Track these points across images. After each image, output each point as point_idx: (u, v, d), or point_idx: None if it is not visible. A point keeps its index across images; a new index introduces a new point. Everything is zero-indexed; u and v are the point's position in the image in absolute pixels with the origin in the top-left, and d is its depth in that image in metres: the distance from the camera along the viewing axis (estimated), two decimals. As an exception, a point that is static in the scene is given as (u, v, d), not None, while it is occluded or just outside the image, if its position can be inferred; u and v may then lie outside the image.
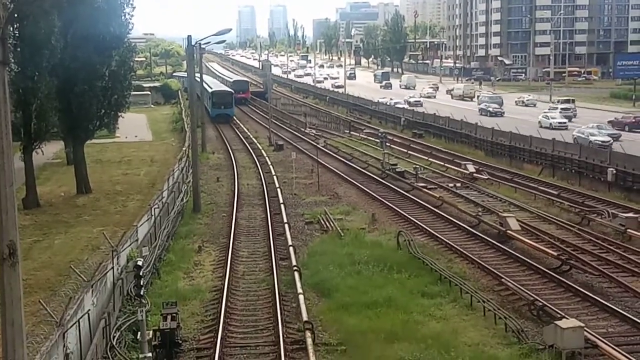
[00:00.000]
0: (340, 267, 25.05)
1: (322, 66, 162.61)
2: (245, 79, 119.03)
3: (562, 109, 72.60)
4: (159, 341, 17.98)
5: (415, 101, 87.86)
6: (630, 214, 31.15)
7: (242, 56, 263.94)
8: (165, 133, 70.99)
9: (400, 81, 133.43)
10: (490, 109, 76.56)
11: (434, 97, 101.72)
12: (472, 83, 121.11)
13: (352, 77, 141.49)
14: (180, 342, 18.66)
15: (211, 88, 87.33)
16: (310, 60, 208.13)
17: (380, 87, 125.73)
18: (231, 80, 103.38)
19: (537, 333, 19.24)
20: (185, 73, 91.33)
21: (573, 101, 79.62)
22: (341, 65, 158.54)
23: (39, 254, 27.90)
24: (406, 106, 79.93)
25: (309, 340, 18.12)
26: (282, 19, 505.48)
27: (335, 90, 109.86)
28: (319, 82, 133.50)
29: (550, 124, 63.35)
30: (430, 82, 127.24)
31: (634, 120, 63.54)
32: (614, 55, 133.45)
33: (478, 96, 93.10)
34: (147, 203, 30.53)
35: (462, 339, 19.15)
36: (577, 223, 31.45)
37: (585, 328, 18.18)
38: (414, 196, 37.91)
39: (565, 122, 63.98)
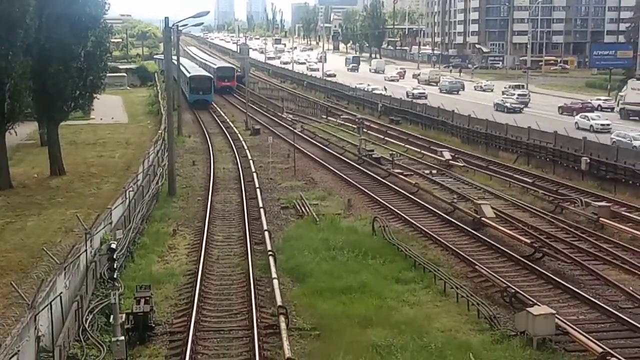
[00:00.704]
0: (315, 252, 25.08)
1: (292, 49, 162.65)
2: (231, 65, 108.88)
3: (519, 94, 78.19)
4: (132, 324, 17.91)
5: (420, 93, 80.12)
6: (603, 203, 31.47)
7: (222, 40, 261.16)
8: (141, 115, 70.45)
9: (370, 65, 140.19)
10: (450, 89, 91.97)
11: (397, 80, 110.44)
12: (451, 70, 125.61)
13: (282, 51, 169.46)
14: (154, 325, 18.59)
15: (189, 72, 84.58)
16: (285, 44, 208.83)
17: (348, 69, 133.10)
18: (215, 67, 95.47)
19: (509, 320, 19.42)
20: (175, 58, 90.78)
21: (524, 87, 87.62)
22: (311, 49, 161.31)
23: (11, 235, 27.63)
24: (407, 98, 74.37)
25: (283, 325, 18.13)
26: (260, 3, 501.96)
27: (313, 74, 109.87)
28: (301, 63, 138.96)
29: (506, 107, 69.00)
30: (399, 67, 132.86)
31: (581, 106, 68.18)
32: (590, 44, 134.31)
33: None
34: (121, 186, 30.30)
35: (435, 324, 19.28)
36: (550, 211, 31.73)
37: (556, 315, 18.37)
38: (390, 182, 38.01)
39: (520, 107, 70.23)
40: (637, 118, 63.26)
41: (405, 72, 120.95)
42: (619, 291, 21.72)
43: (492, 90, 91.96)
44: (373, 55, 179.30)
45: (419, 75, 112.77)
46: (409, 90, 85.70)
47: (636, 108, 64.39)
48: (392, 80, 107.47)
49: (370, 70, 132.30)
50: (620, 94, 72.01)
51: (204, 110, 74.67)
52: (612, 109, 69.92)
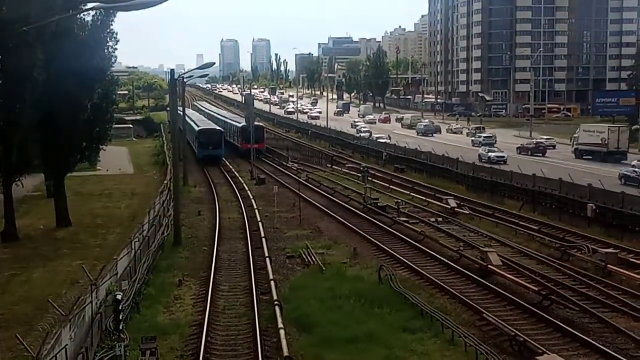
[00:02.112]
0: (322, 301, 24.95)
1: (297, 99, 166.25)
2: (260, 123, 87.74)
3: (484, 136, 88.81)
4: (137, 376, 17.74)
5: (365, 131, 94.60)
6: (610, 250, 31.32)
7: (230, 91, 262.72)
8: (147, 166, 70.80)
9: (359, 111, 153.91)
10: (425, 131, 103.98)
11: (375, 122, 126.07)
12: (457, 119, 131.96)
13: (314, 104, 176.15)
14: (159, 377, 18.41)
15: (198, 126, 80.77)
16: (283, 92, 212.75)
17: (334, 114, 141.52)
18: (239, 126, 79.60)
19: (519, 369, 19.19)
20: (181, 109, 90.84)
21: (484, 129, 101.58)
22: (316, 100, 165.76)
23: (17, 287, 27.57)
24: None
25: (290, 376, 17.95)
26: (265, 53, 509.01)
27: (317, 124, 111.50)
28: (290, 113, 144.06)
29: (480, 142, 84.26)
30: (383, 113, 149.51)
31: (534, 146, 79.19)
32: (593, 92, 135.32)
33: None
34: (127, 236, 30.27)
35: (443, 374, 19.06)
36: (557, 258, 31.57)
37: (566, 364, 18.17)
38: (395, 230, 37.95)
39: (492, 142, 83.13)
40: (589, 157, 71.47)
41: (389, 116, 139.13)
42: (629, 339, 21.50)
43: (461, 133, 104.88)
44: (377, 105, 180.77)
45: (401, 119, 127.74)
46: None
47: (588, 148, 73.35)
48: (371, 123, 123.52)
49: (358, 115, 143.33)
50: (574, 135, 78.48)
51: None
52: (553, 147, 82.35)
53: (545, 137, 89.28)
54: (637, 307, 24.28)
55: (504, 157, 68.20)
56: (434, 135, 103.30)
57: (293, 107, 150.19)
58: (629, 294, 26.00)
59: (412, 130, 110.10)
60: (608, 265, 29.23)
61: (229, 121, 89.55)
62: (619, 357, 19.88)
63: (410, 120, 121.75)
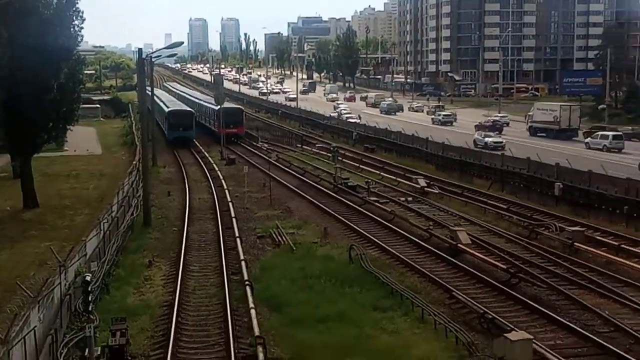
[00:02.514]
0: (292, 281, 25.01)
1: (267, 79, 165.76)
2: (238, 105, 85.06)
3: (444, 115, 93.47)
4: (107, 358, 17.65)
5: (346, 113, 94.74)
6: (577, 228, 31.77)
7: (200, 71, 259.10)
8: (115, 147, 70.11)
9: (324, 90, 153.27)
10: (388, 110, 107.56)
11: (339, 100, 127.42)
12: (428, 99, 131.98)
13: (281, 83, 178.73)
14: (130, 358, 18.36)
15: (168, 107, 77.59)
16: (250, 71, 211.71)
17: (300, 93, 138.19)
18: (216, 109, 72.33)
19: (487, 346, 19.41)
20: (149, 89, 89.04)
21: (443, 107, 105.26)
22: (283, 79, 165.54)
23: (-16, 269, 27.19)
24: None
25: (261, 356, 18.00)
26: (234, 33, 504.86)
27: (288, 104, 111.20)
28: (263, 94, 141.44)
29: (439, 120, 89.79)
30: (348, 92, 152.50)
31: (491, 124, 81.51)
32: (560, 72, 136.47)
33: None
34: (96, 217, 30.03)
35: (413, 352, 19.22)
36: (525, 237, 31.94)
37: (533, 340, 18.43)
38: (366, 210, 38.08)
39: (451, 121, 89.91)
40: (543, 134, 74.81)
41: (354, 95, 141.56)
42: (595, 315, 21.85)
43: (422, 111, 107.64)
44: (347, 84, 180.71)
45: (366, 98, 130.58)
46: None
47: (541, 126, 76.86)
48: (333, 100, 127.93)
49: (324, 94, 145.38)
50: (529, 113, 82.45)
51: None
52: (507, 124, 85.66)
53: (500, 115, 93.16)
54: (603, 284, 24.68)
55: (501, 142, 63.36)
56: (397, 113, 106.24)
57: (266, 88, 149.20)
58: (596, 272, 26.42)
59: (376, 108, 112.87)
60: (575, 243, 29.65)
61: (204, 103, 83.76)
62: (586, 333, 20.21)
63: (374, 99, 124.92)
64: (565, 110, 76.09)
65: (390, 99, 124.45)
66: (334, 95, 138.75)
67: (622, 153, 61.45)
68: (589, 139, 66.99)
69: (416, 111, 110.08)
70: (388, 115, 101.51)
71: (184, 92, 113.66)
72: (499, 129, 79.49)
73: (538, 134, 75.53)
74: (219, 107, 70.87)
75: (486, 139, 65.24)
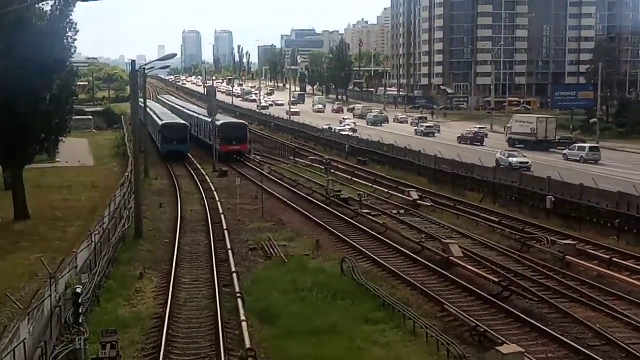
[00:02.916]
0: (284, 293, 24.96)
1: (259, 90, 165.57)
2: (239, 121, 78.48)
3: (426, 126, 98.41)
4: (97, 370, 17.55)
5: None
6: (569, 241, 31.83)
7: (194, 83, 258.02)
8: (107, 158, 69.98)
9: (313, 102, 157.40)
10: (374, 121, 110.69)
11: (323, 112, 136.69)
12: (422, 112, 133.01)
13: (271, 94, 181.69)
14: (120, 371, 18.25)
15: (161, 120, 75.12)
16: (242, 83, 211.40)
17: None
18: (217, 123, 66.98)
19: (479, 359, 19.41)
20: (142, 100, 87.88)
21: (426, 119, 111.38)
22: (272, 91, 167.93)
23: (-26, 281, 27.03)
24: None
25: (252, 368, 17.93)
26: (227, 45, 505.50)
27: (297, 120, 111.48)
28: (264, 107, 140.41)
29: (422, 132, 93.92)
30: (336, 104, 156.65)
31: (473, 135, 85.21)
32: (552, 86, 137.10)
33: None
34: (87, 229, 29.93)
35: (405, 365, 19.19)
36: (517, 250, 31.98)
37: (525, 354, 18.42)
38: (358, 223, 38.08)
39: (433, 132, 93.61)
40: (521, 146, 76.72)
41: (342, 107, 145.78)
42: (587, 329, 21.87)
43: (407, 122, 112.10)
44: (340, 97, 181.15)
45: (353, 109, 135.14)
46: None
47: (520, 137, 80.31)
48: (319, 112, 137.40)
49: (313, 106, 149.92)
50: (508, 125, 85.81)
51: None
52: (486, 135, 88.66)
53: (479, 126, 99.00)
54: (595, 298, 24.72)
55: (527, 163, 58.98)
56: (383, 125, 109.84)
57: (267, 102, 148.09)
58: (587, 285, 26.45)
59: (363, 120, 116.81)
60: (567, 257, 29.70)
61: (203, 118, 76.51)
62: (577, 346, 20.21)
63: (361, 110, 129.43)
64: (542, 122, 79.62)
65: (376, 110, 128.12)
66: (321, 107, 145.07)
67: (598, 165, 63.93)
68: (567, 150, 69.41)
69: (401, 122, 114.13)
70: (374, 127, 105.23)
71: (179, 105, 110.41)
72: (480, 140, 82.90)
73: (517, 145, 77.11)
74: (221, 121, 67.45)
75: (510, 159, 59.97)
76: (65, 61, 39.14)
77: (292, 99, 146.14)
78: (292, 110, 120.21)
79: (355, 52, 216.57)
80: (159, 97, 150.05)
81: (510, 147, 76.22)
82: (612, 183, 44.17)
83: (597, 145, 69.69)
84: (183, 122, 75.85)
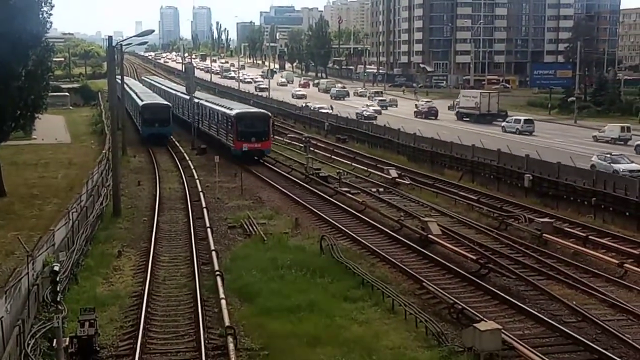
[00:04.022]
0: (263, 271, 24.96)
1: (239, 68, 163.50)
2: (262, 110, 58.84)
3: (380, 99, 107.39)
4: (75, 348, 17.49)
5: (301, 94, 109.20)
6: (546, 219, 32.12)
7: (173, 60, 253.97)
8: (84, 135, 69.27)
9: (281, 76, 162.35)
10: (337, 95, 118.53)
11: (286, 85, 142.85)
12: (404, 90, 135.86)
13: (228, 70, 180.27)
14: (98, 349, 18.21)
15: (142, 100, 69.40)
16: (215, 59, 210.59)
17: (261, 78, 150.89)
18: (232, 114, 52.66)
19: (457, 336, 19.57)
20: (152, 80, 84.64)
21: (382, 93, 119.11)
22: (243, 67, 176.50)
23: (-51, 259, 26.77)
24: (360, 118, 79.15)
25: (231, 346, 17.95)
26: (205, 22, 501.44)
27: (259, 94, 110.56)
28: (262, 90, 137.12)
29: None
30: (302, 78, 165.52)
31: (427, 110, 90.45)
32: (531, 64, 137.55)
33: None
34: (64, 207, 29.68)
35: (383, 342, 19.31)
36: (495, 227, 32.20)
37: (502, 330, 18.59)
38: (337, 201, 38.11)
39: (386, 106, 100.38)
40: (467, 119, 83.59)
41: (308, 82, 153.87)
42: (563, 305, 22.11)
43: (365, 96, 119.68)
44: (319, 74, 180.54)
45: (318, 84, 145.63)
46: (293, 92, 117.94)
47: (466, 111, 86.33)
48: (282, 85, 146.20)
49: (280, 80, 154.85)
50: (457, 100, 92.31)
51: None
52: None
53: (426, 100, 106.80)
54: (571, 275, 24.99)
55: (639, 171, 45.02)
56: (345, 98, 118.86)
57: (265, 83, 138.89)
58: (564, 262, 26.73)
59: (327, 94, 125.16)
60: (544, 234, 29.97)
61: (214, 106, 59.74)
62: (553, 323, 20.44)
63: (325, 85, 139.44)
64: (485, 96, 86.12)
65: (339, 85, 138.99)
66: (283, 80, 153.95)
67: (532, 135, 70.16)
68: (505, 122, 76.04)
69: (361, 96, 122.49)
70: (337, 100, 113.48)
71: (159, 83, 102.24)
72: (434, 114, 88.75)
73: (464, 119, 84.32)
74: (236, 111, 53.27)
75: (615, 165, 45.56)
76: (41, 36, 38.51)
77: (260, 74, 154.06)
78: (298, 93, 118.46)
79: (334, 30, 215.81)
80: (142, 77, 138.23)
81: (457, 120, 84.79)
82: (535, 149, 47.68)
83: (531, 118, 76.79)
84: (165, 102, 70.69)
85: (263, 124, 52.36)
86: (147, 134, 64.42)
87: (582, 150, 56.66)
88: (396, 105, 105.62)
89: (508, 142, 53.93)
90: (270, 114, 55.57)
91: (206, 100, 65.07)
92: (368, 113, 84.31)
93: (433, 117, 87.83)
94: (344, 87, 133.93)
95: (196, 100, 64.73)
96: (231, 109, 54.99)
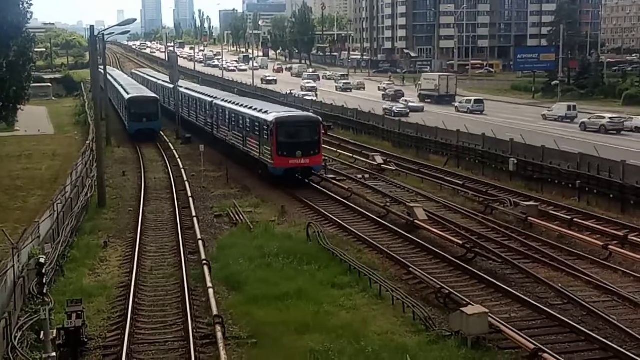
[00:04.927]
0: (250, 260, 24.96)
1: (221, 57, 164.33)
2: (309, 113, 46.79)
3: (344, 82, 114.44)
4: (63, 340, 17.45)
5: (271, 79, 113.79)
6: (531, 202, 32.30)
7: (161, 51, 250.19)
8: (68, 126, 68.88)
9: (255, 62, 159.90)
10: (308, 82, 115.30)
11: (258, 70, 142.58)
12: (390, 77, 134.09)
13: (211, 58, 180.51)
14: (86, 340, 18.16)
15: (128, 93, 64.41)
16: (193, 47, 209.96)
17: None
18: (270, 120, 38.72)
19: (444, 320, 19.68)
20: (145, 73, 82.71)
21: (347, 76, 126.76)
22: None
23: None
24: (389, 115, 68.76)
25: (219, 335, 17.97)
26: (188, 10, 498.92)
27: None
28: (269, 82, 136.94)
29: (341, 87, 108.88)
30: (277, 63, 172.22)
31: (394, 93, 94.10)
32: (514, 48, 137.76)
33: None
34: (49, 198, 29.55)
35: (371, 328, 19.38)
36: (481, 212, 32.34)
37: (489, 314, 18.71)
38: (323, 188, 38.10)
39: (350, 88, 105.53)
40: (429, 100, 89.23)
41: (282, 67, 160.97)
42: (549, 288, 22.27)
43: (333, 79, 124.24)
44: (303, 62, 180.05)
45: (291, 69, 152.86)
46: (263, 77, 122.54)
47: (427, 93, 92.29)
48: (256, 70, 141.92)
49: (255, 66, 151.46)
50: (418, 82, 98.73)
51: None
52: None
53: (393, 83, 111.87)
54: (556, 258, 25.16)
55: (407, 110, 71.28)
56: (315, 82, 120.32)
57: (271, 75, 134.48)
58: (549, 245, 26.91)
59: (299, 78, 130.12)
60: (529, 218, 30.13)
61: (240, 109, 45.37)
62: (539, 305, 20.59)
63: (297, 69, 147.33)
64: (444, 79, 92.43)
65: (310, 70, 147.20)
66: (256, 65, 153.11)
67: (482, 114, 74.96)
68: (457, 103, 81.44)
69: (329, 79, 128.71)
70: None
71: (146, 74, 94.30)
72: (400, 96, 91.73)
73: (425, 100, 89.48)
74: (275, 116, 38.98)
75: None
76: (21, 27, 38.29)
77: (235, 61, 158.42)
78: (308, 86, 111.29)
79: (318, 16, 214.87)
80: (132, 71, 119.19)
81: (420, 101, 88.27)
82: (485, 126, 52.87)
83: (481, 98, 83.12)
84: (153, 94, 66.18)
85: (312, 132, 38.89)
86: (134, 129, 59.32)
87: (530, 127, 61.88)
88: (364, 89, 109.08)
89: (461, 120, 62.07)
90: (319, 117, 41.68)
91: (224, 100, 50.58)
92: (399, 109, 74.57)
93: (398, 100, 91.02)
94: (314, 72, 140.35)
95: (208, 99, 53.48)
96: (267, 112, 40.34)
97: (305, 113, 46.25)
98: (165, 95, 71.18)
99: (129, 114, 60.33)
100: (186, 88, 67.54)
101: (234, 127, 46.16)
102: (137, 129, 58.91)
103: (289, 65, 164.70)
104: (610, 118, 61.82)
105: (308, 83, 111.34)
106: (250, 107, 44.14)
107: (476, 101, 79.62)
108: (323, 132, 41.30)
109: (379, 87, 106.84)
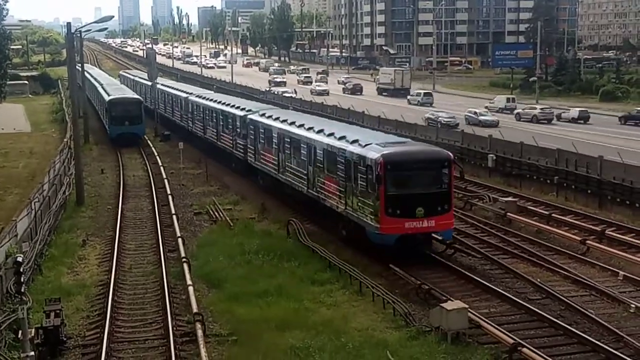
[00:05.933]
0: (230, 257, 24.92)
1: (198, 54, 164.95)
2: (433, 148, 29.27)
3: (305, 76, 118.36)
4: (42, 339, 17.32)
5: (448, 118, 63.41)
6: (510, 198, 32.52)
7: (138, 48, 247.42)
8: (45, 124, 68.23)
9: (226, 57, 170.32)
10: (275, 76, 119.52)
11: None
12: (372, 74, 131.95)
13: (190, 55, 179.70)
14: (65, 339, 18.04)
15: (108, 95, 59.90)
16: (166, 43, 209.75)
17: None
18: (373, 156, 24.04)
19: (424, 316, 19.75)
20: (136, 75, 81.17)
21: (308, 70, 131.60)
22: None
23: None
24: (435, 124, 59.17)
25: (200, 332, 17.92)
26: (166, 7, 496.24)
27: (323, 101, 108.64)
28: (209, 68, 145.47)
29: (302, 81, 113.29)
30: (246, 58, 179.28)
31: (353, 86, 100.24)
32: (492, 45, 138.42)
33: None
34: (26, 197, 29.31)
35: (352, 324, 19.43)
36: (460, 208, 32.42)
37: (469, 309, 18.81)
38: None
39: (326, 90, 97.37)
40: (386, 94, 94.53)
41: (251, 62, 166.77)
42: (528, 283, 22.42)
43: (296, 74, 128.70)
44: (283, 59, 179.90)
45: (258, 64, 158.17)
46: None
47: (384, 87, 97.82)
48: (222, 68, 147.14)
49: (226, 61, 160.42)
50: (377, 77, 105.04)
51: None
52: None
53: (348, 78, 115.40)
54: (535, 253, 25.34)
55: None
56: (282, 75, 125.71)
57: (283, 80, 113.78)
58: (528, 241, 27.10)
59: (266, 73, 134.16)
60: (508, 214, 30.31)
61: (308, 135, 30.38)
62: (518, 300, 20.73)
63: (265, 64, 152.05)
64: (399, 73, 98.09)
65: (276, 64, 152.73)
66: (222, 60, 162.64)
67: (431, 106, 78.46)
68: (409, 96, 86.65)
69: (292, 73, 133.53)
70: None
71: (129, 74, 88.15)
72: (359, 90, 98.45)
73: (383, 94, 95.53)
74: (377, 152, 24.40)
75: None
76: (-3, 24, 37.90)
77: (204, 55, 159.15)
78: (319, 89, 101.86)
79: (297, 13, 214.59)
80: (120, 73, 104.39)
81: (378, 94, 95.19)
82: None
83: (430, 91, 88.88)
84: (135, 95, 62.37)
85: (437, 176, 25.10)
86: (115, 134, 55.11)
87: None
88: (326, 82, 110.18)
89: (411, 111, 69.75)
90: (449, 153, 25.99)
91: (281, 120, 34.71)
92: (446, 120, 61.78)
93: (358, 93, 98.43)
94: (280, 66, 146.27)
95: (244, 114, 39.53)
96: (363, 145, 25.64)
97: (424, 145, 31.23)
98: (146, 94, 68.16)
99: (110, 117, 56.31)
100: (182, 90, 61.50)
101: (291, 158, 32.25)
102: (119, 132, 54.85)
103: (256, 60, 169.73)
104: (541, 109, 69.84)
105: (276, 78, 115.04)
106: (324, 133, 29.27)
107: (425, 94, 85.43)
108: (456, 175, 27.79)
109: (338, 80, 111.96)
